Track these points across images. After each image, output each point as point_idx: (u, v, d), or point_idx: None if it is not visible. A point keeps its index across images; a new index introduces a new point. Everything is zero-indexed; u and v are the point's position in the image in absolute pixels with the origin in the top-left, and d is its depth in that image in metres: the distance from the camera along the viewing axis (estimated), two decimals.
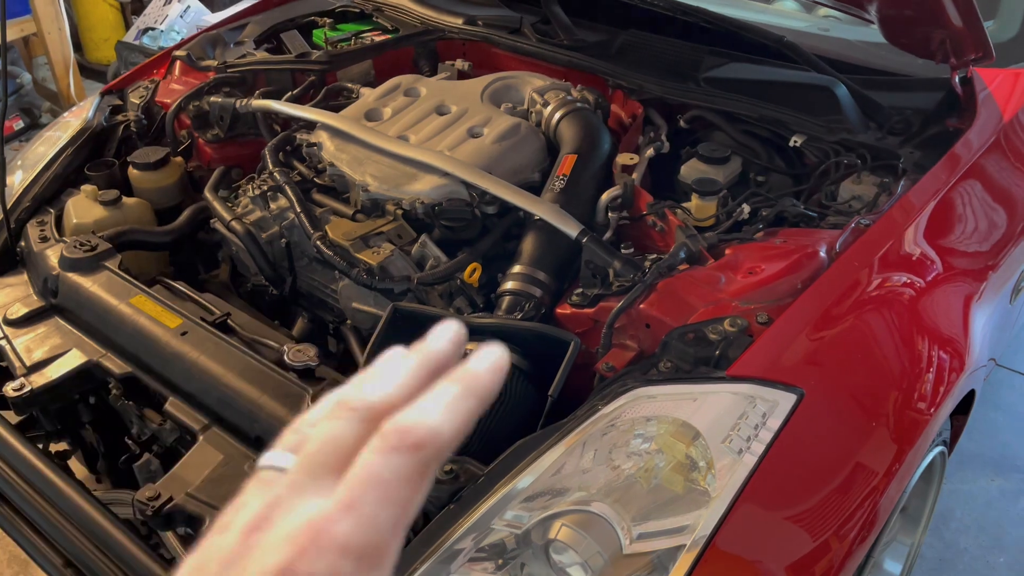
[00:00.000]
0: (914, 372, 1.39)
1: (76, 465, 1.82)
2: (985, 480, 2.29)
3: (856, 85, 1.76)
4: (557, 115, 1.80)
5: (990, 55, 1.57)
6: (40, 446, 1.65)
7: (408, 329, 1.44)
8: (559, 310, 1.49)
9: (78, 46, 4.73)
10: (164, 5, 4.56)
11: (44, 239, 1.74)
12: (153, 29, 4.43)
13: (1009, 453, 2.38)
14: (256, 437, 1.34)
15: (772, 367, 1.25)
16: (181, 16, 4.50)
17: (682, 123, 1.84)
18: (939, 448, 1.60)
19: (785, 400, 1.21)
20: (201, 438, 1.38)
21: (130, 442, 1.54)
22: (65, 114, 2.14)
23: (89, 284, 1.60)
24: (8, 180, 1.85)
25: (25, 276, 1.74)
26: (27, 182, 1.88)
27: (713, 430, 1.18)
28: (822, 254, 1.40)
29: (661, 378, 1.25)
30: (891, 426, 1.34)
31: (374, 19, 2.32)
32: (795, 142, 1.71)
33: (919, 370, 1.40)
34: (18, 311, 1.63)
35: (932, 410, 1.40)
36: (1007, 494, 2.26)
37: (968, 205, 1.63)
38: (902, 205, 1.51)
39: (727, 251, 1.47)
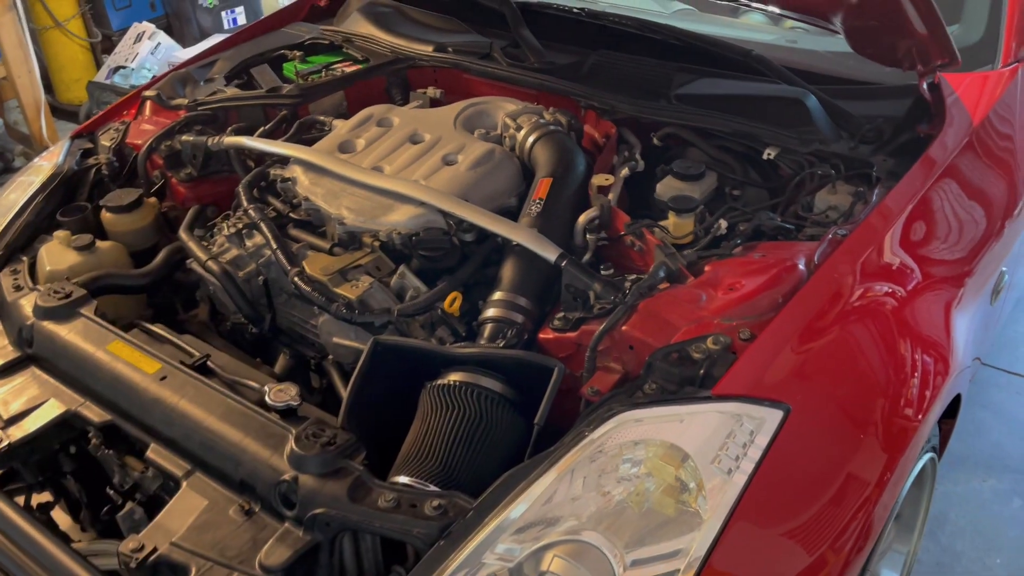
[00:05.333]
0: (900, 380, 1.39)
1: (61, 515, 1.79)
2: (977, 481, 2.29)
3: (826, 95, 1.77)
4: (531, 139, 1.80)
5: (956, 60, 1.58)
6: (22, 498, 1.63)
7: (391, 362, 1.43)
8: (542, 335, 1.48)
9: (49, 87, 4.71)
10: (134, 43, 4.55)
11: (18, 288, 1.71)
12: (124, 67, 4.42)
13: (1000, 453, 2.38)
14: (240, 480, 1.31)
15: (757, 384, 1.25)
16: (152, 53, 4.50)
17: (656, 141, 1.84)
18: (929, 455, 1.60)
19: (772, 417, 1.21)
20: (184, 484, 1.35)
21: (112, 492, 1.51)
22: (36, 159, 2.12)
23: (65, 332, 1.58)
24: None
25: None
26: None
27: (701, 451, 1.17)
28: (801, 267, 1.40)
29: (647, 401, 1.24)
30: (880, 435, 1.34)
31: (344, 50, 2.32)
32: (768, 155, 1.72)
33: (904, 378, 1.41)
34: None
35: (920, 416, 1.40)
36: (1000, 495, 2.26)
37: (943, 210, 1.64)
38: (878, 213, 1.52)
39: (707, 268, 1.47)
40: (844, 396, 1.32)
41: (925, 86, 1.66)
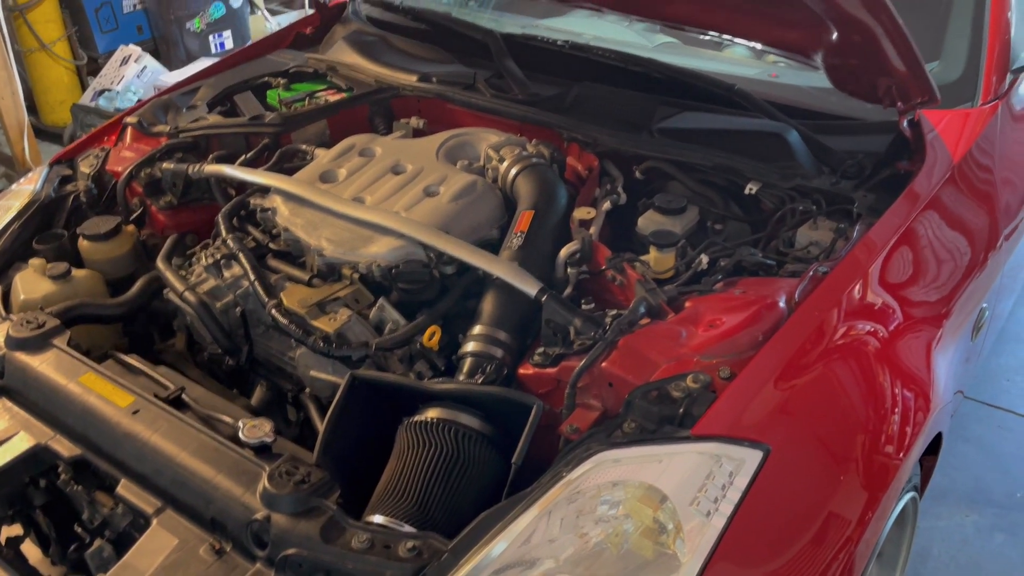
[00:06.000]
0: (880, 418, 1.38)
1: (32, 548, 1.75)
2: (960, 516, 2.28)
3: (808, 130, 1.78)
4: (513, 171, 1.79)
5: (935, 98, 1.59)
6: None
7: (368, 397, 1.41)
8: (522, 370, 1.47)
9: (33, 109, 4.69)
10: (120, 66, 4.54)
11: None
12: (109, 90, 4.41)
13: (982, 487, 2.37)
14: (211, 519, 1.29)
15: (736, 424, 1.23)
16: (138, 76, 4.48)
17: (638, 174, 1.84)
18: (911, 494, 1.59)
19: (751, 457, 1.19)
20: (155, 521, 1.32)
21: (79, 529, 1.48)
22: (14, 185, 2.10)
23: (37, 363, 1.55)
24: None
25: None
26: None
27: (680, 492, 1.15)
28: (781, 304, 1.40)
29: (625, 440, 1.23)
30: (861, 473, 1.33)
31: (328, 79, 2.32)
32: (750, 190, 1.72)
33: (885, 415, 1.40)
34: None
35: (901, 454, 1.39)
36: (982, 530, 2.25)
37: (924, 247, 1.64)
38: (859, 250, 1.52)
39: (687, 303, 1.46)
40: (825, 435, 1.31)
41: (905, 123, 1.67)
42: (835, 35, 1.50)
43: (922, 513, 1.76)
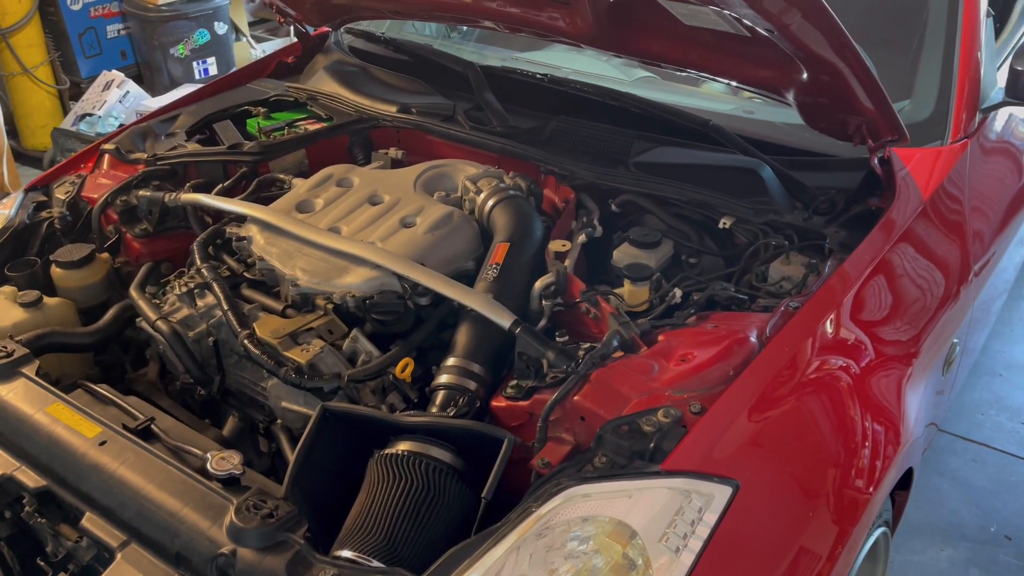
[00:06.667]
0: (851, 453, 1.39)
1: None
2: (934, 550, 2.29)
3: (781, 166, 1.80)
4: (490, 203, 1.80)
5: (904, 137, 1.62)
6: None
7: (339, 429, 1.40)
8: (494, 403, 1.47)
9: (13, 133, 4.67)
10: (103, 91, 4.54)
11: None
12: (91, 115, 4.40)
13: (956, 521, 2.38)
14: (176, 553, 1.27)
15: (707, 458, 1.23)
16: (120, 101, 4.48)
17: (614, 207, 1.86)
18: (882, 529, 1.59)
19: (721, 493, 1.19)
20: (119, 555, 1.30)
21: (42, 564, 1.45)
22: None
23: (4, 392, 1.53)
24: None
25: None
26: None
27: (650, 528, 1.15)
28: (752, 339, 1.40)
29: (596, 475, 1.22)
30: (831, 507, 1.33)
31: (308, 108, 2.33)
32: (724, 224, 1.74)
33: (855, 449, 1.40)
34: None
35: (871, 489, 1.40)
36: (957, 564, 2.25)
37: (894, 282, 1.66)
38: (830, 286, 1.53)
39: (660, 337, 1.47)
40: (795, 469, 1.32)
41: (876, 161, 1.70)
42: (805, 74, 1.53)
43: (897, 547, 1.77)
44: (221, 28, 5.01)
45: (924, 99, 1.98)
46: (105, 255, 1.93)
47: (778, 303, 1.50)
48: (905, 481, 1.66)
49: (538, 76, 2.21)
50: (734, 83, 1.78)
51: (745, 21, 1.39)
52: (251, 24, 5.74)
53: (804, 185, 1.78)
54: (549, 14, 1.79)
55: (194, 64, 4.95)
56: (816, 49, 1.41)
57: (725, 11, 1.37)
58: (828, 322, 1.48)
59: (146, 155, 2.09)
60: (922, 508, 2.39)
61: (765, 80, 1.65)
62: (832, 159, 1.85)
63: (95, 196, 2.01)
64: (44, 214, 2.01)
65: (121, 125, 4.33)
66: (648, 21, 1.65)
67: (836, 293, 1.53)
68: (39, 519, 1.42)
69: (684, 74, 2.05)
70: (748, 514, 1.21)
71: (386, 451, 1.35)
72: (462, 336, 1.54)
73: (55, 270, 1.86)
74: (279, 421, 1.59)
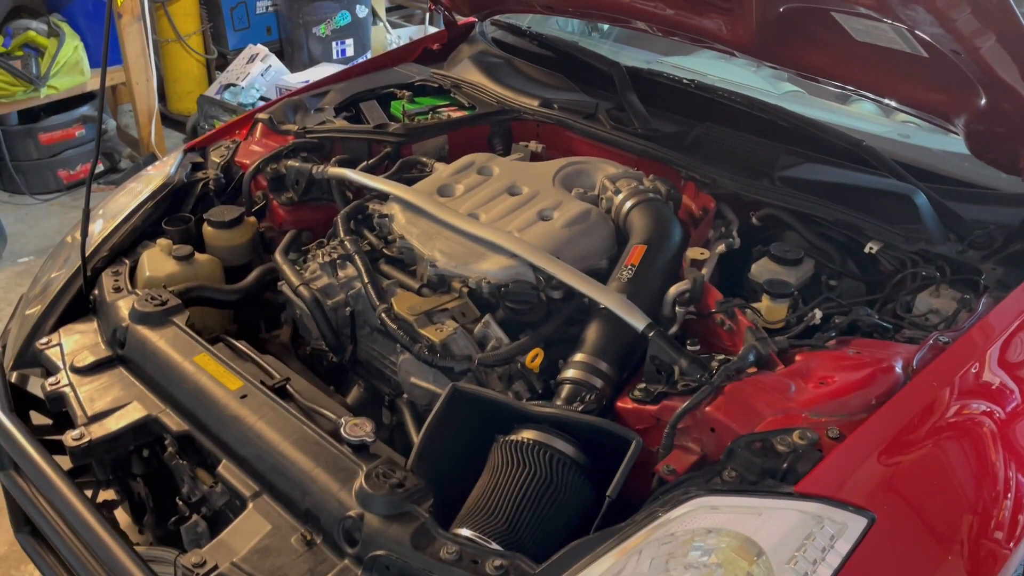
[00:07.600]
0: (992, 502, 1.32)
1: (122, 515, 1.82)
2: None
3: (936, 195, 1.73)
4: (628, 204, 1.80)
5: None
6: (89, 493, 1.66)
7: (465, 410, 1.42)
8: (620, 404, 1.46)
9: (162, 96, 4.94)
10: (247, 63, 4.75)
11: (117, 289, 1.77)
12: (234, 85, 4.61)
13: None
14: (306, 510, 1.32)
15: (842, 487, 1.20)
16: (262, 75, 4.67)
17: (755, 220, 1.82)
18: None
19: (855, 523, 1.15)
20: (251, 505, 1.37)
21: (180, 502, 1.53)
22: (148, 168, 2.21)
23: (156, 339, 1.62)
24: (89, 228, 1.90)
25: (95, 324, 1.77)
26: (106, 232, 1.93)
27: (777, 549, 1.12)
28: (898, 370, 1.35)
29: (725, 488, 1.20)
30: (967, 557, 1.26)
31: (452, 95, 2.37)
32: (871, 249, 1.68)
33: (996, 499, 1.33)
34: (85, 359, 1.66)
35: (1012, 544, 1.32)
36: None
37: None
38: (983, 325, 1.46)
39: (798, 357, 1.43)
40: (932, 511, 1.26)
41: None
42: (984, 100, 1.46)
43: None
44: (362, 11, 5.17)
45: None
46: (252, 219, 2.02)
47: (926, 336, 1.44)
48: None
49: (684, 81, 2.18)
50: (895, 104, 1.72)
51: (929, 41, 1.34)
52: (388, 10, 5.89)
53: (960, 217, 1.70)
54: (711, 19, 1.77)
55: (333, 44, 5.13)
56: (1003, 75, 1.35)
57: (910, 30, 1.32)
58: (979, 362, 1.41)
59: (296, 127, 2.17)
60: None
61: (935, 104, 1.58)
62: (992, 192, 1.76)
63: (247, 162, 2.11)
64: (200, 175, 2.12)
65: (261, 97, 4.52)
66: (815, 34, 1.61)
67: (990, 332, 1.46)
68: (179, 460, 1.50)
69: (834, 91, 2.00)
70: (881, 550, 1.17)
71: (511, 437, 1.36)
72: (592, 333, 1.54)
73: (207, 228, 1.96)
74: (405, 396, 1.63)
